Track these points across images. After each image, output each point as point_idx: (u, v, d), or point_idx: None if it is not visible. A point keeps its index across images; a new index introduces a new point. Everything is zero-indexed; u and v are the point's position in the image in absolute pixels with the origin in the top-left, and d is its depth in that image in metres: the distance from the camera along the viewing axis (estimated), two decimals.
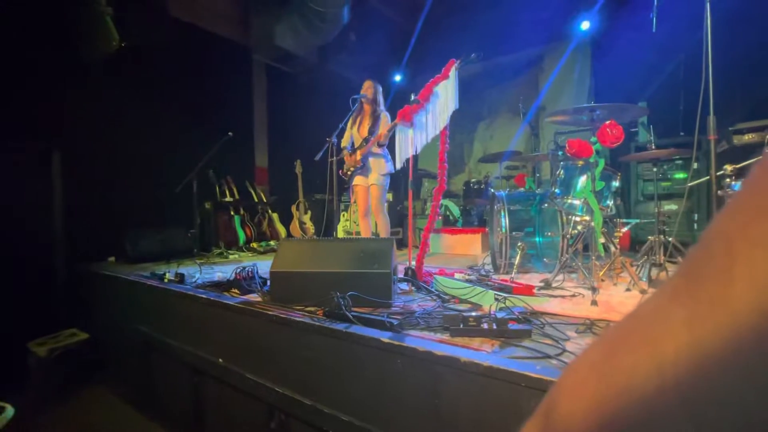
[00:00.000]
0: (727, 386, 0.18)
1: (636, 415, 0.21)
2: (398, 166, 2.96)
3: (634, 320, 0.24)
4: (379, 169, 3.61)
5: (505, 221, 2.91)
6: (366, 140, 3.60)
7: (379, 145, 3.53)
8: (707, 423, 0.19)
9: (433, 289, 2.25)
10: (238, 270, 2.41)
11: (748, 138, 3.26)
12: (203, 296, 2.28)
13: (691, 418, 0.20)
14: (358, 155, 3.62)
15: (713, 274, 0.19)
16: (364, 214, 3.76)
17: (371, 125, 3.62)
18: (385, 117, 3.61)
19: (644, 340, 0.22)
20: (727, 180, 2.24)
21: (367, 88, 3.66)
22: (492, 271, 2.97)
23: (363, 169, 3.65)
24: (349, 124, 3.74)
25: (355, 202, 3.93)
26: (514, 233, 2.90)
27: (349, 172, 3.69)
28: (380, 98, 3.72)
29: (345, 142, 3.77)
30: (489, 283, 2.34)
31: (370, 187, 3.66)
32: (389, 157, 3.58)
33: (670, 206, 4.15)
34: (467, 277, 2.58)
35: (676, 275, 0.22)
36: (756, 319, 0.17)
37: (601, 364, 0.24)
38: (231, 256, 4.29)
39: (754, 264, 0.18)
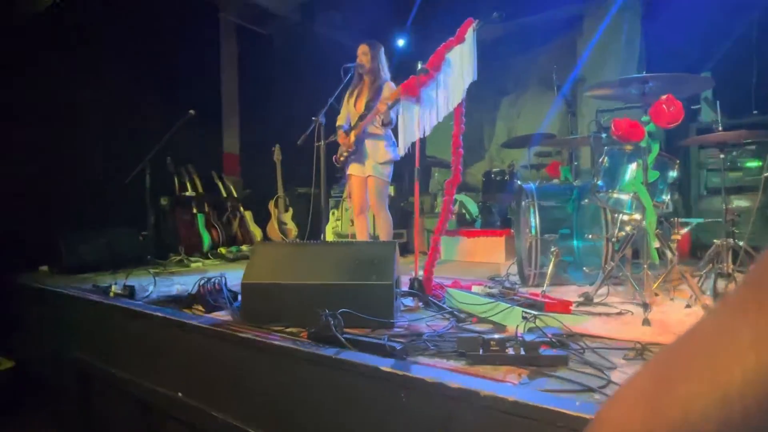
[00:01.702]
0: None
1: None
2: (402, 152, 2.96)
3: (692, 341, 0.24)
4: (378, 155, 3.55)
5: (534, 221, 2.92)
6: (362, 117, 3.54)
7: (383, 125, 3.48)
8: None
9: (445, 306, 2.26)
10: (203, 282, 2.41)
11: None
12: (159, 314, 2.28)
13: None
14: (352, 136, 3.57)
15: None
16: (360, 210, 3.74)
17: (370, 99, 3.55)
18: (388, 86, 3.51)
19: (705, 365, 0.22)
20: None
21: (362, 54, 3.58)
22: (519, 283, 2.97)
23: (358, 154, 3.60)
24: (345, 98, 3.70)
25: (349, 196, 3.91)
26: (546, 236, 2.90)
27: (342, 158, 3.67)
28: (381, 63, 3.62)
29: (341, 120, 3.74)
30: (515, 297, 2.34)
31: (367, 178, 3.62)
32: (393, 140, 3.50)
33: (740, 202, 4.15)
34: (488, 290, 2.59)
35: (742, 286, 0.22)
36: None
37: (652, 394, 0.25)
38: (193, 265, 4.31)
39: None
